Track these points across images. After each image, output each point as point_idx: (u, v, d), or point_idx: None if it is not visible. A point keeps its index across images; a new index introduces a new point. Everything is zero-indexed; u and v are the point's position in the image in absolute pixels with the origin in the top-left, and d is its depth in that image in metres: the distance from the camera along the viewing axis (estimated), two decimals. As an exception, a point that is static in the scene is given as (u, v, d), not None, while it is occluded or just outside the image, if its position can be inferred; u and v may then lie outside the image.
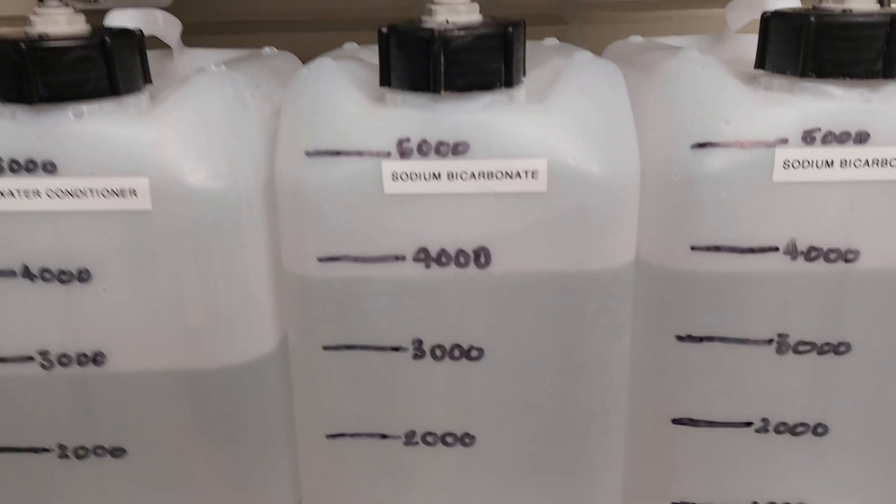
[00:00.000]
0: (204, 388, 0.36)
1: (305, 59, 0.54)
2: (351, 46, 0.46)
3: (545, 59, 0.38)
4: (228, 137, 0.34)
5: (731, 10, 0.45)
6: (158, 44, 0.44)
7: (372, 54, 0.42)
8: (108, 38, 0.32)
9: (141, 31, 0.35)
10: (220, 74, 0.36)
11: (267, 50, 0.47)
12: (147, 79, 0.35)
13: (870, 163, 0.32)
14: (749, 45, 0.44)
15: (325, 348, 0.35)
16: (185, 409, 0.36)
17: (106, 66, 0.32)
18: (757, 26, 0.36)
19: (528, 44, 0.45)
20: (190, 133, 0.33)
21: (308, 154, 0.33)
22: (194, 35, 0.53)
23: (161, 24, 0.43)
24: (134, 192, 0.33)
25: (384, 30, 0.33)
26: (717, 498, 0.38)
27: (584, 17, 0.62)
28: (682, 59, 0.35)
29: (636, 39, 0.46)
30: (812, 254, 0.33)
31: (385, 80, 0.33)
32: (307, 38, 0.62)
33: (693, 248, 0.34)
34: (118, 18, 0.39)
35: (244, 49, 0.48)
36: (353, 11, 0.58)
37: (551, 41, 0.45)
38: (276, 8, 0.62)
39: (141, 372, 0.35)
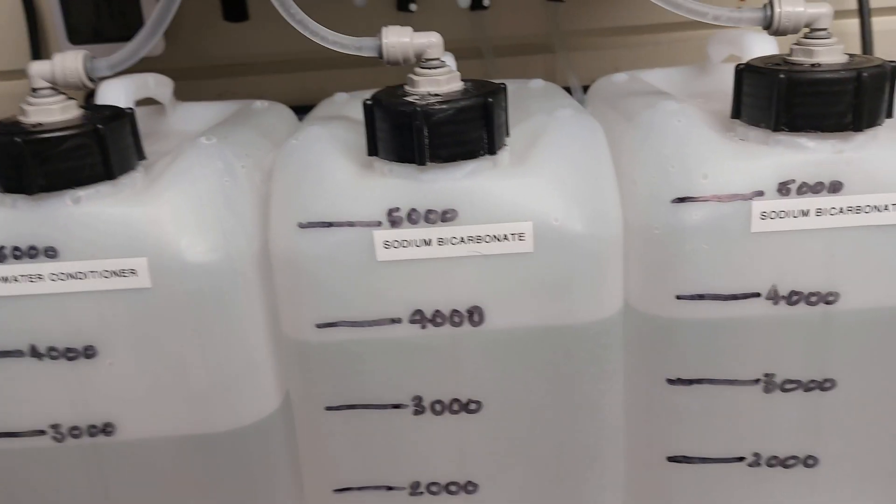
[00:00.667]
0: (212, 451, 0.37)
1: (299, 101, 0.55)
2: (341, 97, 0.47)
3: (529, 110, 0.39)
4: (221, 211, 0.35)
5: (712, 45, 0.46)
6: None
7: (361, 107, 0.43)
8: (100, 125, 0.33)
9: (132, 109, 0.36)
10: (209, 148, 0.37)
11: (258, 104, 0.48)
12: (140, 155, 0.36)
13: (844, 210, 0.33)
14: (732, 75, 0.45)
15: (328, 409, 0.36)
16: (194, 473, 0.37)
17: (100, 152, 0.33)
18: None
19: (514, 85, 0.46)
20: (184, 210, 0.34)
21: (301, 226, 0.34)
22: (188, 80, 0.54)
23: (153, 87, 0.44)
24: (133, 272, 0.34)
25: (369, 102, 0.34)
26: (714, 530, 0.39)
27: (572, 45, 0.62)
28: (661, 112, 0.36)
29: (620, 77, 0.47)
30: (793, 297, 0.34)
31: (372, 151, 0.34)
32: (300, 78, 0.64)
33: (678, 297, 0.35)
34: (110, 90, 0.40)
35: (235, 101, 0.49)
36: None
37: (537, 83, 0.46)
38: (268, 50, 0.63)
39: (150, 439, 0.36)
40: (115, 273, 0.34)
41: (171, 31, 0.42)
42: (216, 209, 0.35)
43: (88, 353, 0.35)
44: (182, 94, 0.49)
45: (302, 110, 0.49)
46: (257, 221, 0.36)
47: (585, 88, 0.57)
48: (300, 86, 0.62)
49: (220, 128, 0.41)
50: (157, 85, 0.45)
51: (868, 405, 0.36)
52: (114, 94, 0.40)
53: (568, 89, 0.57)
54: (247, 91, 0.62)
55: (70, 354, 0.35)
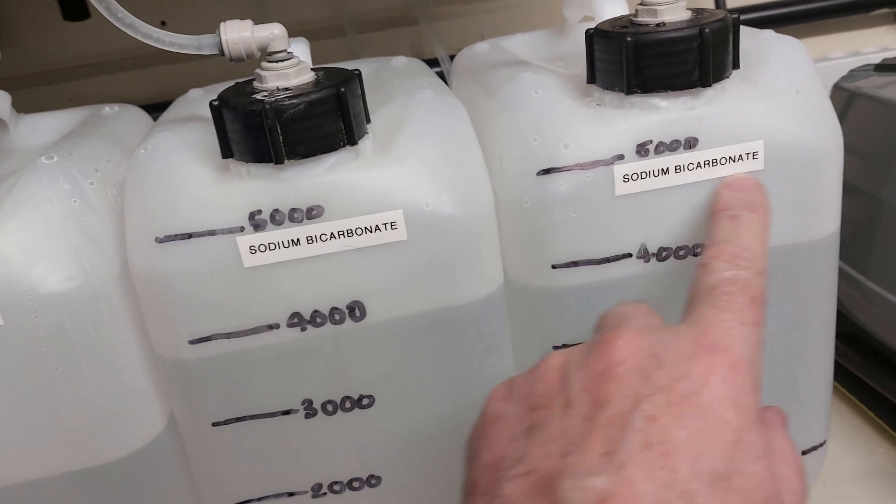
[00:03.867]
0: (98, 485, 0.35)
1: (155, 98, 0.53)
2: (196, 94, 0.45)
3: (391, 92, 0.38)
4: (72, 235, 0.33)
5: (567, 8, 0.46)
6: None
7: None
8: (-80, 157, 0.30)
9: (-39, 133, 0.33)
10: (51, 167, 0.34)
11: (107, 109, 0.45)
12: (-25, 183, 0.34)
13: (702, 164, 0.34)
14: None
15: (215, 424, 0.35)
16: (83, 510, 0.35)
17: (-76, 187, 0.31)
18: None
19: (375, 65, 0.45)
20: (31, 239, 0.32)
21: (158, 241, 0.32)
22: (33, 88, 0.50)
23: (-11, 104, 0.41)
24: (-19, 311, 0.31)
25: (215, 103, 0.32)
26: None
27: (435, 15, 0.62)
28: (519, 84, 0.36)
29: (482, 47, 0.47)
30: (663, 254, 0.35)
31: (226, 153, 0.33)
32: (154, 74, 0.60)
33: (554, 266, 0.35)
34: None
35: (83, 108, 0.46)
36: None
37: (400, 61, 0.45)
38: (115, 47, 0.59)
39: (28, 482, 0.34)
40: (-40, 315, 0.31)
41: (5, 37, 0.39)
42: (67, 233, 0.33)
43: (-56, 402, 0.32)
44: (28, 105, 0.46)
45: (158, 109, 0.47)
46: (115, 240, 0.34)
47: (452, 59, 0.56)
48: (155, 82, 0.59)
49: (64, 142, 0.38)
50: (-5, 100, 0.42)
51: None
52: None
53: (436, 61, 0.57)
54: (99, 93, 0.58)
55: (-78, 407, 0.32)
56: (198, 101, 0.43)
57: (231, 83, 0.44)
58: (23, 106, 0.44)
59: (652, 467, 0.22)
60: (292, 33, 0.40)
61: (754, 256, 0.29)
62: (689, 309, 0.28)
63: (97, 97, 0.54)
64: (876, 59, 0.54)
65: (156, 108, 0.47)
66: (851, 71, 0.54)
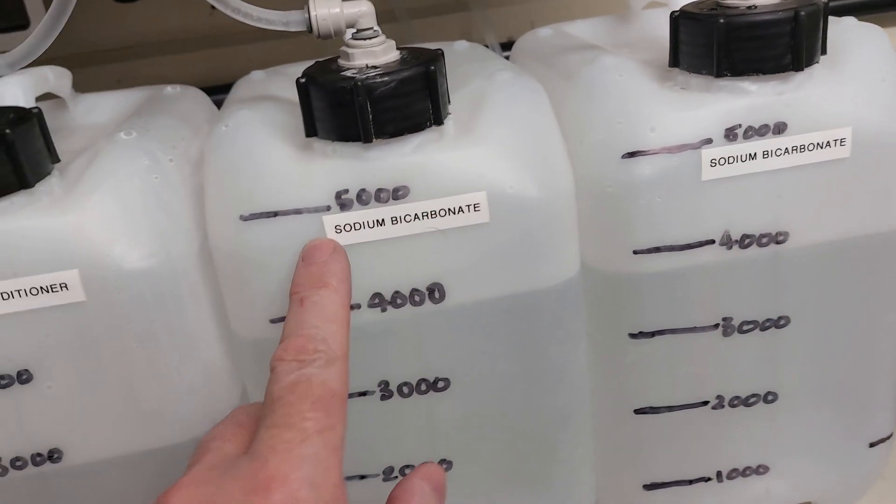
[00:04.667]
0: (171, 464, 0.35)
1: (205, 82, 0.52)
2: (258, 75, 0.44)
3: (464, 75, 0.38)
4: (153, 211, 0.33)
5: (632, -8, 0.45)
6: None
7: (283, 84, 0.40)
8: (7, 130, 0.30)
9: (38, 108, 0.33)
10: (131, 143, 0.34)
11: (169, 89, 0.45)
12: (55, 158, 0.33)
13: (790, 150, 0.33)
14: (656, 22, 0.45)
15: (290, 405, 0.35)
16: (156, 489, 0.35)
17: (10, 161, 0.30)
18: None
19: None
20: (113, 215, 0.32)
21: (243, 218, 0.32)
22: (81, 68, 0.50)
23: (52, 81, 0.41)
24: (65, 286, 0.31)
25: (302, 80, 0.32)
26: (684, 474, 0.40)
27: (487, 1, 0.61)
28: (601, 68, 0.35)
29: (544, 32, 0.46)
30: (746, 241, 0.35)
31: (311, 132, 0.32)
32: (201, 58, 0.60)
33: (635, 252, 0.35)
34: (7, 90, 0.36)
35: (142, 88, 0.46)
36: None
37: (462, 45, 0.45)
38: (163, 28, 0.59)
39: (101, 461, 0.34)
40: (43, 289, 0.31)
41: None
42: (148, 210, 0.33)
43: (23, 378, 0.32)
44: (77, 85, 0.45)
45: (211, 92, 0.47)
46: (194, 217, 0.34)
47: (502, 46, 0.56)
48: (203, 66, 0.59)
49: (137, 119, 0.38)
50: (57, 77, 0.41)
51: (820, 337, 0.38)
52: (12, 93, 0.36)
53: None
54: (147, 75, 0.58)
55: (2, 382, 0.32)
56: (261, 83, 0.43)
57: (290, 65, 0.44)
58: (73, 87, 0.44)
59: None
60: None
61: (323, 343, 0.26)
62: (259, 429, 0.25)
63: (144, 79, 0.53)
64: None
65: (209, 91, 0.46)
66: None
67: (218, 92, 0.46)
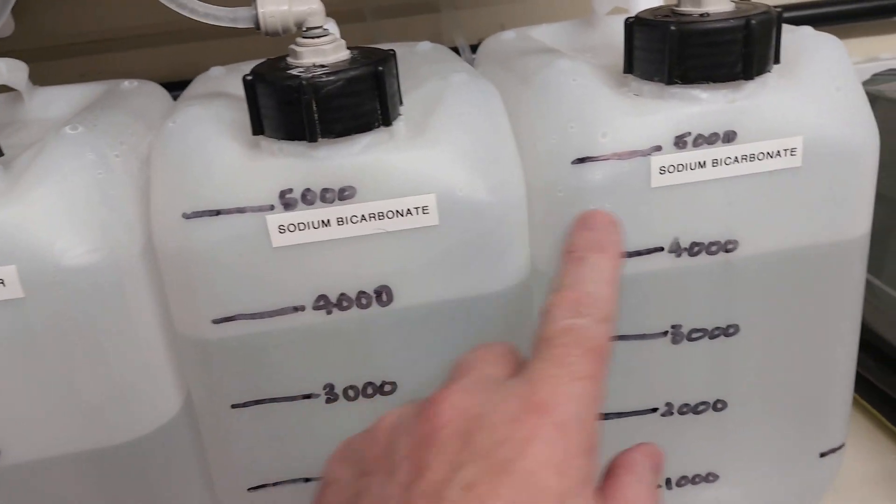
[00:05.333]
0: (111, 465, 0.34)
1: (168, 77, 0.52)
2: (217, 72, 0.44)
3: (420, 76, 0.38)
4: (97, 207, 0.32)
5: (595, -1, 0.45)
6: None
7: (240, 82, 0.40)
8: (-55, 121, 0.29)
9: (-19, 101, 0.32)
10: (77, 137, 0.33)
11: (126, 84, 0.44)
12: (-2, 151, 0.33)
13: (739, 159, 0.33)
14: (619, 27, 0.45)
15: (234, 406, 0.34)
16: (93, 490, 0.35)
17: (-52, 152, 0.30)
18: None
19: (401, 50, 0.44)
20: (55, 210, 0.31)
21: (186, 216, 0.31)
22: (44, 62, 0.49)
23: (5, 74, 0.40)
24: (1, 282, 0.30)
25: (249, 78, 0.31)
26: (634, 482, 0.40)
27: (456, 3, 0.61)
28: (556, 71, 0.35)
29: (508, 35, 0.46)
30: (695, 249, 0.35)
31: (258, 130, 0.32)
32: (167, 53, 0.59)
33: (585, 258, 0.34)
34: (-47, 81, 0.36)
35: (101, 82, 0.45)
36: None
37: (425, 46, 0.44)
38: (130, 23, 0.58)
39: (41, 460, 0.33)
40: (-21, 285, 0.30)
41: (18, 8, 0.38)
42: (91, 205, 0.32)
43: (-42, 374, 0.31)
44: (39, 78, 0.45)
45: (173, 87, 0.46)
46: (139, 215, 0.33)
47: (472, 48, 0.56)
48: (168, 61, 0.58)
49: (87, 113, 0.37)
50: (11, 70, 0.41)
51: (770, 346, 0.38)
52: (-40, 84, 0.36)
53: (455, 50, 0.56)
54: (111, 70, 0.57)
55: (-63, 379, 0.31)
56: (219, 79, 0.42)
57: (253, 62, 0.44)
58: (33, 79, 0.44)
59: None
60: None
61: (598, 302, 0.27)
62: (529, 360, 0.26)
63: (109, 74, 0.53)
64: (895, 65, 0.54)
65: (171, 87, 0.46)
66: (875, 75, 0.53)
67: (183, 88, 0.46)
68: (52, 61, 0.58)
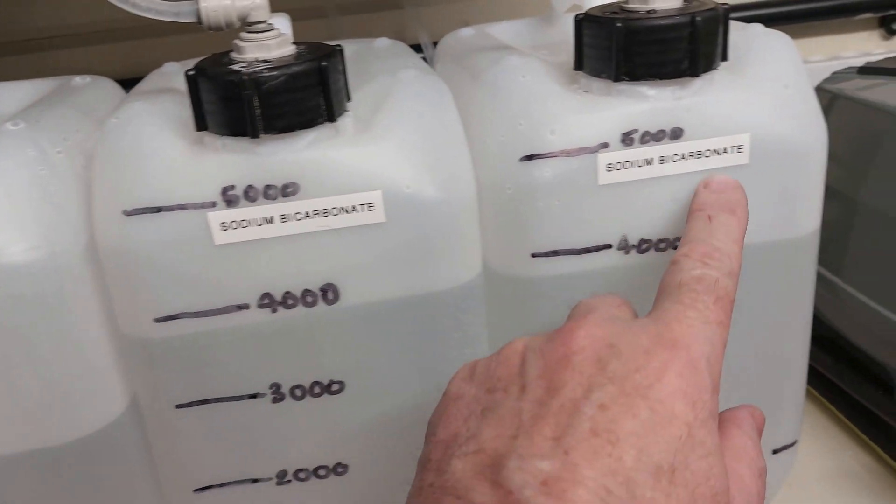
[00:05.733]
0: (54, 466, 0.34)
1: (129, 73, 0.51)
2: (171, 67, 0.43)
3: (373, 72, 0.37)
4: (37, 204, 0.31)
5: (554, -6, 0.45)
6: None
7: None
8: None
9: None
10: (17, 134, 0.33)
11: (78, 80, 0.43)
12: (-65, 148, 0.32)
13: (686, 156, 0.33)
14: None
15: (178, 406, 0.34)
16: (38, 492, 0.34)
17: None
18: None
19: (358, 45, 0.44)
20: (-8, 207, 0.30)
21: (126, 213, 0.31)
22: (3, 57, 0.48)
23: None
24: (-63, 280, 0.30)
25: (191, 73, 0.31)
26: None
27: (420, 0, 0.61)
28: (505, 68, 0.35)
29: (467, 32, 0.46)
30: (643, 246, 0.35)
31: (201, 126, 0.31)
32: (128, 48, 0.59)
33: (534, 255, 0.34)
34: None
35: (53, 78, 0.45)
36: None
37: (383, 42, 0.44)
38: (88, 19, 0.57)
39: (-19, 461, 0.33)
40: (-88, 283, 0.30)
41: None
42: (32, 202, 0.31)
43: None
44: (-5, 74, 0.44)
45: (132, 84, 0.45)
46: (83, 213, 0.33)
47: (435, 45, 0.56)
48: (128, 56, 0.58)
49: (32, 110, 0.37)
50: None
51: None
52: None
53: (419, 47, 0.56)
54: (70, 66, 0.56)
55: None
56: (173, 75, 0.42)
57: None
58: (-11, 75, 0.43)
59: (597, 454, 0.22)
60: (272, 10, 0.39)
61: (726, 257, 0.29)
62: (655, 304, 0.28)
63: (67, 70, 0.52)
64: (858, 63, 0.54)
65: (129, 84, 0.45)
66: (834, 73, 0.54)
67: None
68: (8, 57, 0.57)
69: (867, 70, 0.51)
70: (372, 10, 0.60)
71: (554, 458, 0.22)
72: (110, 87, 0.44)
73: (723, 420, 0.29)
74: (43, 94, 0.42)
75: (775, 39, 0.37)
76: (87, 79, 0.43)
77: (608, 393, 0.24)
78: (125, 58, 0.57)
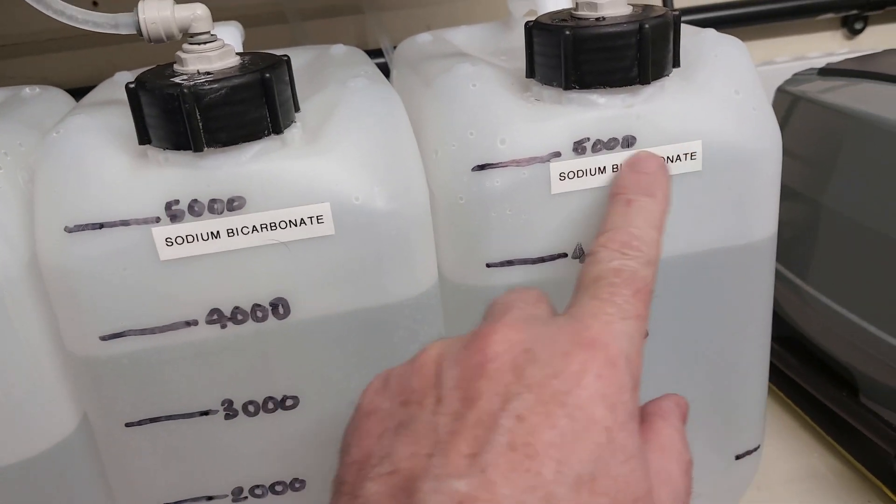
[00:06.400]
0: (2, 486, 0.33)
1: (85, 82, 0.50)
2: (122, 77, 0.42)
3: (324, 80, 0.37)
4: (-25, 222, 0.31)
5: (512, 1, 0.45)
6: None
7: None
8: None
9: None
10: (-44, 149, 0.32)
11: (27, 91, 0.42)
12: None
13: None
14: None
15: (128, 425, 0.33)
16: (-17, 515, 0.33)
17: None
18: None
19: (314, 52, 0.44)
20: (-73, 226, 0.30)
21: (68, 230, 0.30)
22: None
23: None
24: None
25: (131, 85, 0.30)
26: None
27: (381, 4, 0.60)
28: (456, 76, 0.35)
29: (424, 38, 0.45)
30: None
31: (143, 139, 0.31)
32: (83, 56, 0.58)
33: (488, 265, 0.34)
34: None
35: (3, 88, 0.44)
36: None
37: (339, 49, 0.43)
38: (42, 27, 0.56)
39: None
40: None
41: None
42: (-31, 220, 0.31)
43: None
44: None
45: (87, 93, 0.45)
46: (25, 229, 0.32)
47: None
48: (83, 65, 0.57)
49: (-25, 122, 0.36)
50: None
51: (686, 347, 0.37)
52: None
53: (380, 52, 0.55)
54: (24, 74, 0.56)
55: None
56: (123, 85, 0.41)
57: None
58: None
59: (515, 470, 0.22)
60: (232, 17, 0.38)
61: (645, 245, 0.28)
62: (574, 298, 0.27)
63: (21, 79, 0.51)
64: (820, 63, 0.54)
65: (84, 93, 0.44)
66: (795, 74, 0.54)
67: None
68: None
69: (828, 71, 0.51)
70: (333, 14, 0.60)
71: (471, 476, 0.21)
72: (60, 98, 0.43)
73: (647, 413, 0.28)
74: (-8, 105, 0.41)
75: (727, 44, 0.36)
76: (37, 89, 0.43)
77: (525, 402, 0.23)
78: (80, 66, 0.57)
